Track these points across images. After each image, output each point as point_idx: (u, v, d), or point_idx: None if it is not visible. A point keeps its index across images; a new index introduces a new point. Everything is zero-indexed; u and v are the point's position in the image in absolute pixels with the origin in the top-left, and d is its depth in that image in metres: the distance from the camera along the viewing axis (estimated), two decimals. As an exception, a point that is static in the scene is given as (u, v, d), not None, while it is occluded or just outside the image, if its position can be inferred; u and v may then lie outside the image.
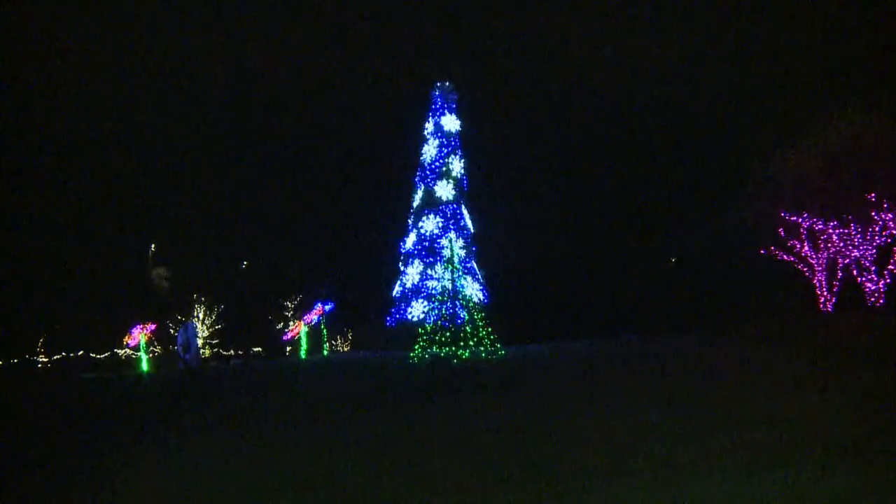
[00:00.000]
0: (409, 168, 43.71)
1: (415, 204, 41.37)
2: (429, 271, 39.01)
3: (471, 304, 38.04)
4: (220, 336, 46.96)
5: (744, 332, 25.53)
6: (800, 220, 30.55)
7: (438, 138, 41.27)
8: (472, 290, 38.86)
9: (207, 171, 61.93)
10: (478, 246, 41.58)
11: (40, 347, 49.73)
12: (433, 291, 38.29)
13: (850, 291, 30.65)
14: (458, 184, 40.98)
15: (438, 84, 42.13)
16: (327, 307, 35.94)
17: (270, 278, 47.77)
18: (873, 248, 29.44)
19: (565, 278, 44.32)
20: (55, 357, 49.51)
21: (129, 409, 14.95)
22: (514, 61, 76.92)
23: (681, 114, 56.71)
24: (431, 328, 23.90)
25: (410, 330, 37.78)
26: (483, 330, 23.04)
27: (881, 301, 29.43)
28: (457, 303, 32.49)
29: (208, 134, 65.40)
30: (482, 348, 22.39)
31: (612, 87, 62.77)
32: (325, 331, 35.48)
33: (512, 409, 10.65)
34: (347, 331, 55.87)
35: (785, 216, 30.67)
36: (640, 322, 33.59)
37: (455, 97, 42.02)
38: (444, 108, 41.79)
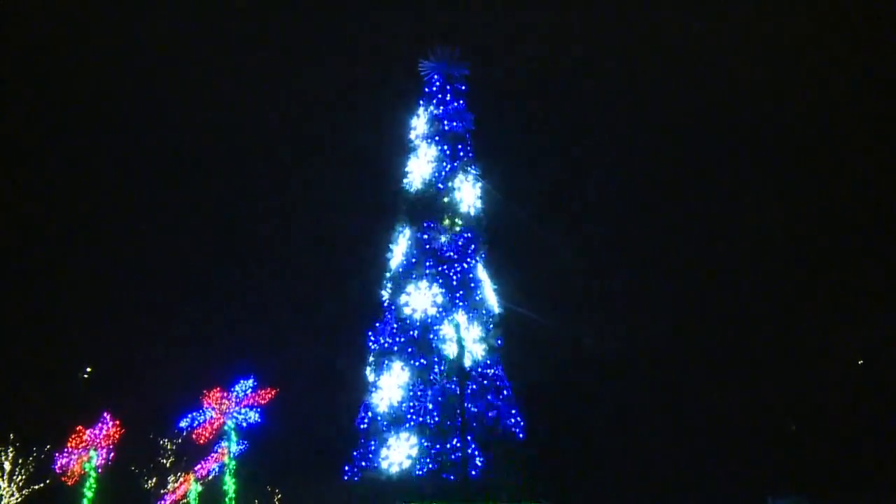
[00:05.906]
0: (383, 197, 43.60)
1: (394, 261, 41.01)
2: (419, 382, 38.33)
3: (495, 442, 37.57)
4: (42, 502, 46.45)
5: None
6: None
7: (436, 144, 41.18)
8: (497, 414, 38.19)
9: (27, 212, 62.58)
10: (505, 337, 40.91)
11: None
12: (427, 419, 37.51)
13: None
14: (471, 225, 40.68)
15: (435, 50, 42.30)
16: (236, 448, 35.23)
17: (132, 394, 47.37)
18: None
19: (661, 394, 43.70)
20: None
21: None
22: (577, 29, 78.58)
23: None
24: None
25: (385, 490, 36.92)
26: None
27: None
28: (470, 439, 31.79)
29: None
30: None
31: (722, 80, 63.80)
32: (232, 491, 34.67)
33: None
34: (273, 491, 55.01)
35: None
36: (804, 474, 33.12)
37: (464, 71, 42.08)
38: (445, 92, 41.87)
